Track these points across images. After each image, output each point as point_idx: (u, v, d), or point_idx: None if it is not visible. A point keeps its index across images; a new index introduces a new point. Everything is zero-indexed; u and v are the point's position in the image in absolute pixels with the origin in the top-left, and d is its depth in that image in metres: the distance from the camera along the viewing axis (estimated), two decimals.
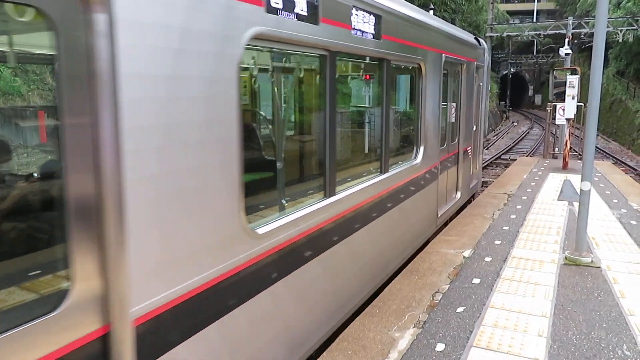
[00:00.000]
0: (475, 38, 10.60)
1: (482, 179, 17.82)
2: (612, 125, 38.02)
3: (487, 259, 6.61)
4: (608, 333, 4.62)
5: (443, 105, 7.91)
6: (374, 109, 6.14)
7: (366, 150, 6.41)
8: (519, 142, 33.32)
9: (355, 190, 4.80)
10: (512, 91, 58.57)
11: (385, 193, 5.58)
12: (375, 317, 4.91)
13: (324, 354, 4.28)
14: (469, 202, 10.73)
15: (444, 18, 40.48)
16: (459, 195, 9.37)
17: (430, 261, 6.52)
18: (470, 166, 10.45)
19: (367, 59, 5.56)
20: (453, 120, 8.88)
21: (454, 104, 8.86)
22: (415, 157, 6.71)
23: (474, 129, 10.60)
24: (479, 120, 11.19)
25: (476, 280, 5.87)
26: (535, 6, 65.16)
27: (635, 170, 21.26)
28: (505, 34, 42.27)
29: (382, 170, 5.57)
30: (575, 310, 5.09)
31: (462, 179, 9.54)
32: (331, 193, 4.38)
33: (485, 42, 40.64)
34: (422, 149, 6.77)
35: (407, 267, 6.42)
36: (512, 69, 59.95)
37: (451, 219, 9.16)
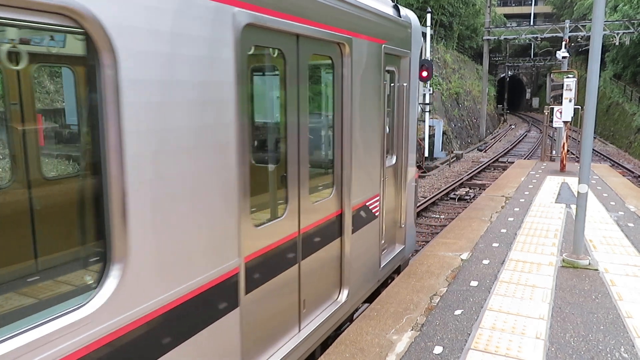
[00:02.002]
0: (395, 6, 6.24)
1: (480, 182, 17.93)
2: (609, 128, 38.17)
3: (485, 262, 6.61)
4: (606, 335, 4.62)
5: (260, 130, 4.28)
6: None
7: None
8: (516, 144, 33.43)
9: None
10: (509, 94, 58.76)
11: None
12: (373, 320, 4.91)
13: (322, 357, 4.27)
14: (385, 284, 6.23)
15: (441, 22, 40.61)
16: (345, 295, 4.94)
17: (428, 264, 6.52)
18: (381, 229, 5.86)
19: None
20: (325, 153, 5.03)
21: (324, 123, 4.92)
22: (91, 299, 2.38)
23: (393, 161, 6.33)
24: (404, 144, 6.51)
25: (474, 283, 5.86)
26: (532, 9, 65.53)
27: (633, 172, 21.32)
28: (502, 37, 42.47)
29: None
30: (572, 312, 5.09)
31: (357, 260, 5.19)
32: None
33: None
34: (127, 271, 2.50)
35: (405, 271, 6.42)
36: (509, 72, 60.15)
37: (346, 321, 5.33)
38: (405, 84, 6.41)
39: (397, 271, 6.68)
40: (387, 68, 5.78)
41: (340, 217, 4.86)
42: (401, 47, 6.20)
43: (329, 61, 4.64)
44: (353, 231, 5.01)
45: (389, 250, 6.38)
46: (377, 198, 5.66)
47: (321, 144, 4.98)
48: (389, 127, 6.14)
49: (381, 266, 5.93)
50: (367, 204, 5.40)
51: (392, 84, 6.19)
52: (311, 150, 4.42)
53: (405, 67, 6.46)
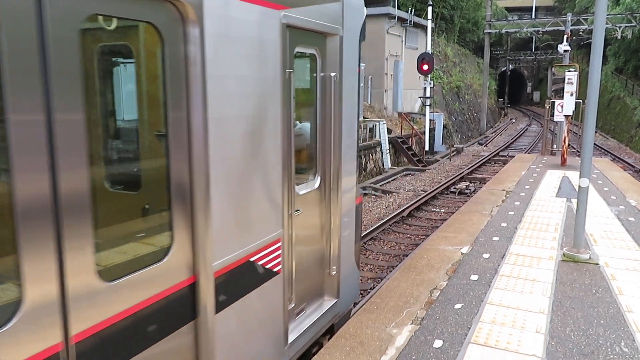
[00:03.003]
0: None
1: (480, 176, 17.90)
2: (611, 122, 38.09)
3: (485, 256, 6.60)
4: (606, 330, 4.62)
5: None
6: None
7: None
8: (517, 138, 33.39)
9: None
10: (510, 88, 58.66)
11: None
12: (373, 314, 4.91)
13: (322, 350, 4.28)
14: (307, 355, 4.59)
15: (442, 15, 40.44)
16: None
17: (428, 258, 6.52)
18: (288, 287, 3.97)
19: None
20: (146, 183, 3.08)
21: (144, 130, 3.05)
22: None
23: (315, 185, 4.49)
24: (333, 160, 4.54)
25: (474, 277, 5.86)
26: (533, 3, 65.12)
27: (634, 167, 21.31)
28: (503, 31, 42.35)
29: None
30: (573, 307, 5.09)
31: (234, 349, 3.37)
32: None
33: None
34: None
35: (405, 264, 6.42)
36: (510, 66, 59.97)
37: None
38: (334, 74, 4.40)
39: (330, 331, 4.88)
40: (297, 50, 3.99)
41: (192, 287, 2.99)
42: (324, 21, 4.22)
43: (156, 33, 2.69)
44: (222, 306, 3.17)
45: (310, 312, 4.53)
46: (278, 244, 3.77)
47: (134, 166, 3.02)
48: (310, 136, 4.48)
49: (289, 342, 4.01)
50: (254, 258, 3.50)
51: (313, 74, 4.41)
52: (101, 174, 2.63)
53: (333, 50, 4.48)
